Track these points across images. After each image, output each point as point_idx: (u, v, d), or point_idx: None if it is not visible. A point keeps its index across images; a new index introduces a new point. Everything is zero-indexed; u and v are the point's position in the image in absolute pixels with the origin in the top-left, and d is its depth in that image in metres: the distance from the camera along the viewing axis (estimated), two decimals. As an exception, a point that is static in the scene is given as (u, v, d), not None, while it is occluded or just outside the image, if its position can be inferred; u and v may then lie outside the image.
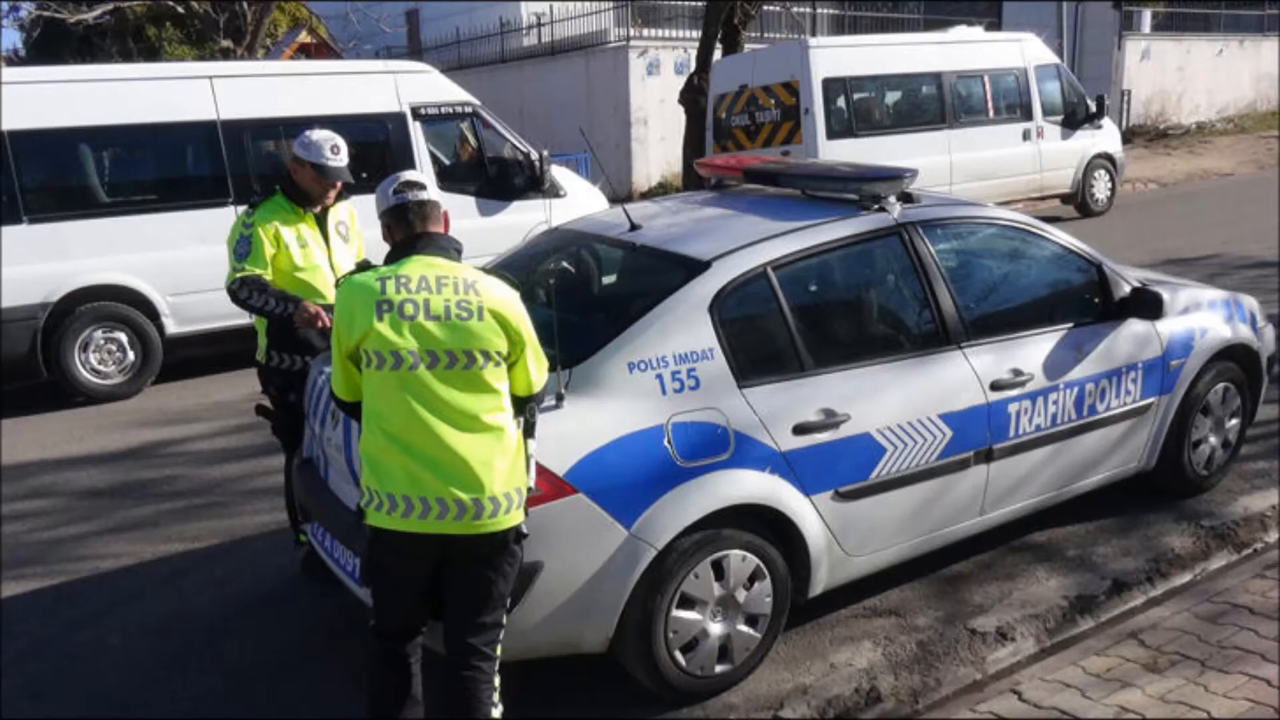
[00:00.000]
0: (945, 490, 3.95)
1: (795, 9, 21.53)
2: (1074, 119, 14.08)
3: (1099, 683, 3.53)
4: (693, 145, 14.20)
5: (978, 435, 3.98)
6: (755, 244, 3.76)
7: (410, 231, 2.93)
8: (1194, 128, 24.53)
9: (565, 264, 4.48)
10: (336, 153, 4.19)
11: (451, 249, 2.93)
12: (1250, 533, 4.66)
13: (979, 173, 12.85)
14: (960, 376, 3.97)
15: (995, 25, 22.12)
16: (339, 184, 4.30)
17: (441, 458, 2.73)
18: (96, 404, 7.85)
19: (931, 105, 13.06)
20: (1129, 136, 21.07)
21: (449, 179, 9.27)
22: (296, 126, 6.06)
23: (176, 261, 8.03)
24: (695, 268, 3.64)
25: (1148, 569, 4.33)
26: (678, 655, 3.43)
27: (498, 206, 9.40)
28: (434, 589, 2.92)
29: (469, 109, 9.46)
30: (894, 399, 3.79)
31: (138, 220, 8.04)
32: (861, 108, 12.63)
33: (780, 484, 3.51)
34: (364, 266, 3.00)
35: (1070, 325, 4.36)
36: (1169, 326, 4.61)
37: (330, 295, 4.02)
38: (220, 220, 7.10)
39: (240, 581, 4.66)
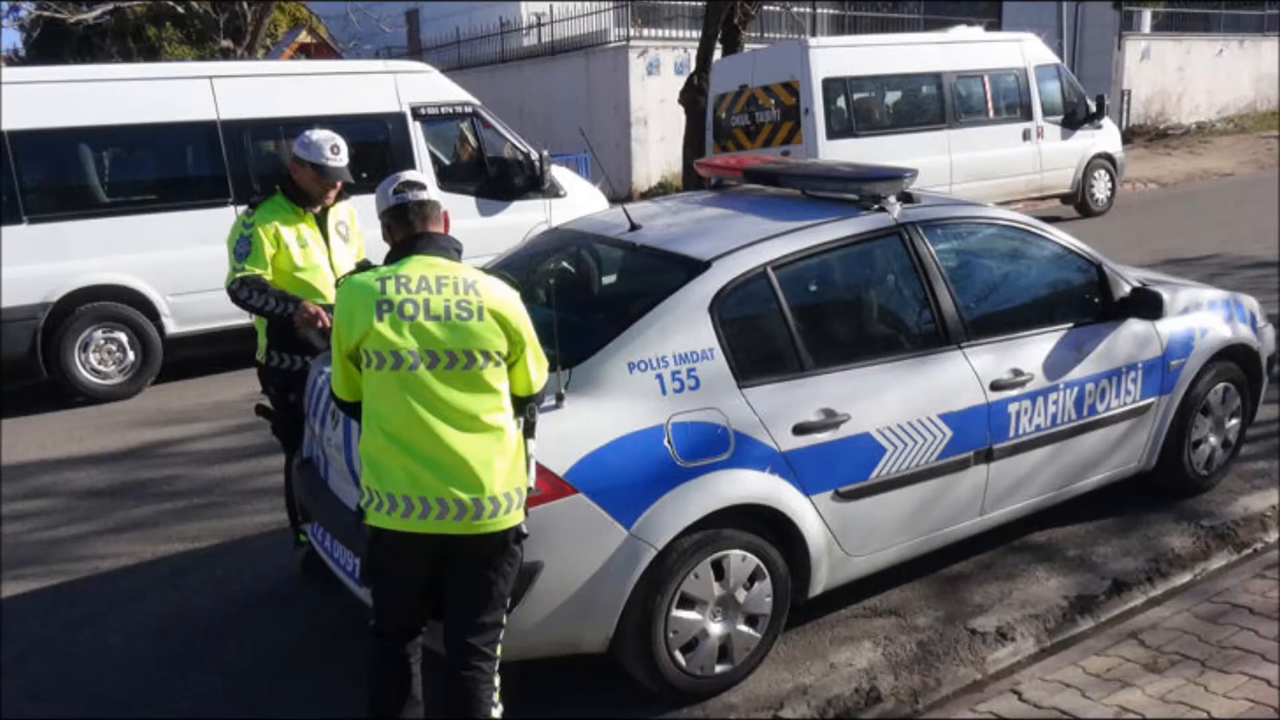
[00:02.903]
0: (945, 490, 3.95)
1: (795, 9, 21.53)
2: (1074, 119, 14.08)
3: (1099, 683, 3.53)
4: (693, 145, 14.19)
5: (978, 435, 3.98)
6: (755, 244, 3.76)
7: (410, 231, 2.93)
8: (1194, 128, 24.52)
9: (565, 264, 4.48)
10: (336, 153, 4.20)
11: (451, 249, 2.93)
12: (1250, 533, 4.66)
13: (979, 173, 12.85)
14: (960, 376, 3.97)
15: (995, 25, 22.11)
16: (339, 184, 4.31)
17: (441, 458, 2.73)
18: (96, 404, 7.85)
19: (931, 105, 13.06)
20: (1129, 136, 21.07)
21: (449, 179, 9.27)
22: (296, 126, 6.05)
23: (176, 261, 8.03)
24: (695, 268, 3.64)
25: (1148, 569, 4.33)
26: (678, 655, 3.42)
27: (498, 206, 9.40)
28: (434, 589, 2.92)
29: (469, 109, 9.46)
30: (894, 399, 3.79)
31: (138, 220, 8.04)
32: (861, 108, 12.62)
33: (780, 484, 3.51)
34: (364, 266, 3.00)
35: (1070, 325, 4.36)
36: (1169, 326, 4.61)
37: (330, 295, 4.02)
38: (220, 220, 7.10)
39: (240, 581, 4.66)
